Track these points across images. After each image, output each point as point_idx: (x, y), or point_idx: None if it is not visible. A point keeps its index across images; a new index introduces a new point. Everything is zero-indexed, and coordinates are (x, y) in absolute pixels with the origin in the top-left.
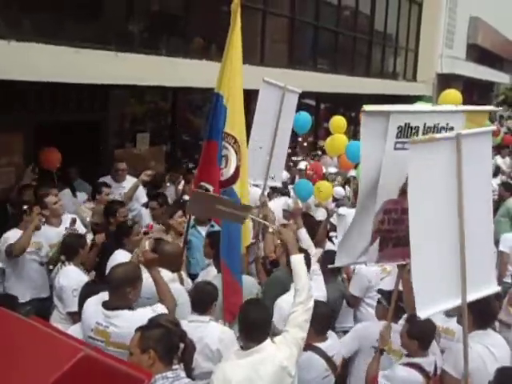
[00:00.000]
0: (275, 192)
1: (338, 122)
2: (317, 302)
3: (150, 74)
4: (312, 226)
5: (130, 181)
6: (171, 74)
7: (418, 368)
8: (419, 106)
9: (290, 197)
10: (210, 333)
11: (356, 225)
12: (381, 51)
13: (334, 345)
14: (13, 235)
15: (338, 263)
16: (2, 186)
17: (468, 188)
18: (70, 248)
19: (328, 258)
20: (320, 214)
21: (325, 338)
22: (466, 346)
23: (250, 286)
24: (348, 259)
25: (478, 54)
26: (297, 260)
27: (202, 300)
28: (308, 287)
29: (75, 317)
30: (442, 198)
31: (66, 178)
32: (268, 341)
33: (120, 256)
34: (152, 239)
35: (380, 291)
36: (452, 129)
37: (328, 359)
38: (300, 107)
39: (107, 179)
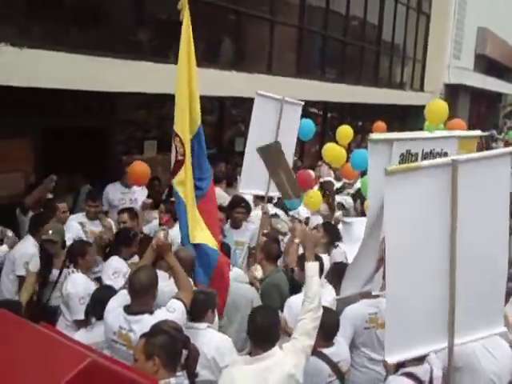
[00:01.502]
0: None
1: (345, 131)
2: (325, 309)
3: (158, 82)
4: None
5: (139, 189)
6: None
7: (413, 377)
8: (419, 133)
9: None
10: (207, 340)
11: (362, 253)
12: (388, 61)
13: (339, 351)
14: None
15: (343, 294)
16: (10, 192)
17: (467, 220)
18: (76, 255)
19: (337, 269)
20: (316, 220)
21: (331, 344)
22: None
23: (251, 296)
24: (354, 288)
25: (485, 64)
26: (312, 268)
27: (197, 308)
28: (319, 296)
29: (82, 324)
30: (428, 233)
31: (73, 184)
32: (276, 348)
33: (114, 262)
34: (167, 231)
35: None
36: (446, 154)
37: (333, 365)
38: (306, 116)
39: (117, 185)
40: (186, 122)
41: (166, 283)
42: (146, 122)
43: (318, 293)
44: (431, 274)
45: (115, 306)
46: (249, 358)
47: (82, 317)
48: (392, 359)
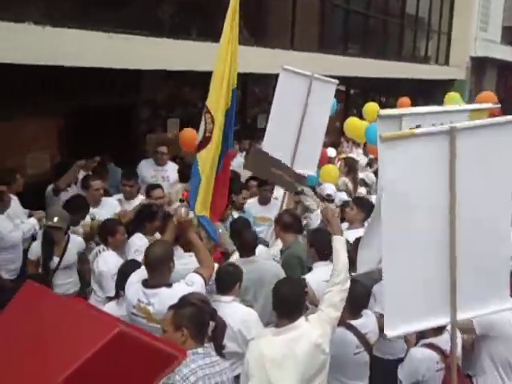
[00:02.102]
0: None
1: (372, 108)
2: (353, 281)
3: (181, 59)
4: None
5: (170, 165)
6: (202, 59)
7: (434, 347)
8: (429, 108)
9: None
10: (232, 313)
11: (374, 230)
12: (412, 34)
13: (367, 323)
14: None
15: (360, 270)
16: (37, 171)
17: (467, 190)
18: (107, 233)
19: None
20: (342, 197)
21: (359, 316)
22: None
23: (276, 272)
24: (369, 265)
25: None
26: (339, 241)
27: (225, 281)
28: (346, 269)
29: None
30: (426, 203)
31: (99, 163)
32: (302, 319)
33: (137, 239)
34: (187, 207)
35: None
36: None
37: (360, 336)
38: None
39: (149, 162)
40: (220, 101)
41: (186, 260)
42: (168, 101)
43: (345, 266)
44: (430, 246)
45: (134, 281)
46: (275, 330)
47: (114, 294)
48: (392, 333)
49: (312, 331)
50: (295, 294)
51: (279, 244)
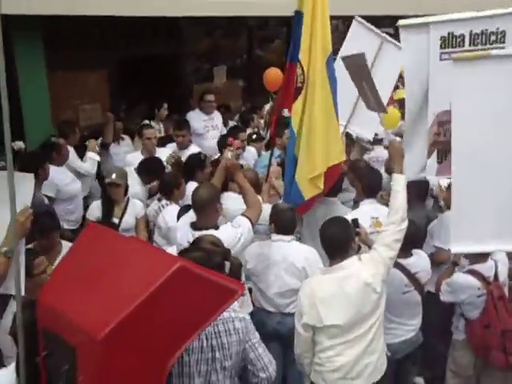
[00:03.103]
0: None
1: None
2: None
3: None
4: None
5: (216, 114)
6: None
7: (477, 274)
8: (461, 14)
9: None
10: (293, 251)
11: (409, 140)
12: None
13: (418, 262)
14: None
15: None
16: (89, 123)
17: None
18: (169, 187)
19: (415, 185)
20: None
21: (409, 254)
22: None
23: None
24: (410, 175)
25: None
26: (398, 179)
27: (286, 224)
28: (404, 209)
29: None
30: (499, 123)
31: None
32: (354, 258)
33: (192, 188)
34: (234, 151)
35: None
36: (503, 33)
37: (410, 275)
38: None
39: (197, 112)
40: (313, 48)
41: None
42: (214, 49)
43: (402, 206)
44: (503, 171)
45: (183, 224)
46: (326, 269)
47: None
48: (456, 249)
49: (363, 270)
50: (340, 233)
51: None
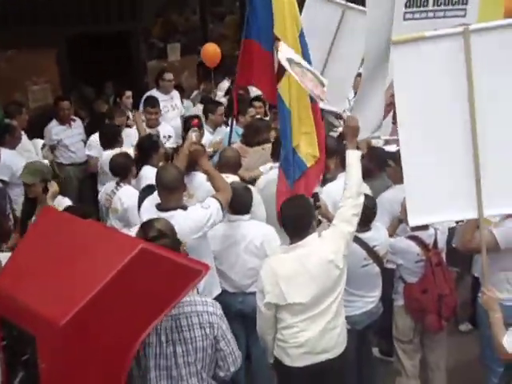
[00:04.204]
0: None
1: None
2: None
3: None
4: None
5: (175, 93)
6: None
7: (417, 240)
8: None
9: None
10: (252, 229)
11: (366, 98)
12: None
13: (376, 236)
14: None
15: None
16: (40, 103)
17: (484, 89)
18: (123, 168)
19: (374, 154)
20: None
21: (367, 229)
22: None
23: None
24: (365, 133)
25: None
26: (352, 155)
27: (243, 203)
28: (359, 183)
29: None
30: (445, 103)
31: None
32: (313, 235)
33: (147, 171)
34: (198, 132)
35: (387, 154)
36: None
37: (368, 249)
38: None
39: (156, 93)
40: (287, 25)
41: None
42: (167, 26)
43: (357, 180)
44: (452, 146)
45: (148, 206)
46: (286, 247)
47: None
48: (414, 222)
49: (324, 247)
50: (299, 212)
51: None
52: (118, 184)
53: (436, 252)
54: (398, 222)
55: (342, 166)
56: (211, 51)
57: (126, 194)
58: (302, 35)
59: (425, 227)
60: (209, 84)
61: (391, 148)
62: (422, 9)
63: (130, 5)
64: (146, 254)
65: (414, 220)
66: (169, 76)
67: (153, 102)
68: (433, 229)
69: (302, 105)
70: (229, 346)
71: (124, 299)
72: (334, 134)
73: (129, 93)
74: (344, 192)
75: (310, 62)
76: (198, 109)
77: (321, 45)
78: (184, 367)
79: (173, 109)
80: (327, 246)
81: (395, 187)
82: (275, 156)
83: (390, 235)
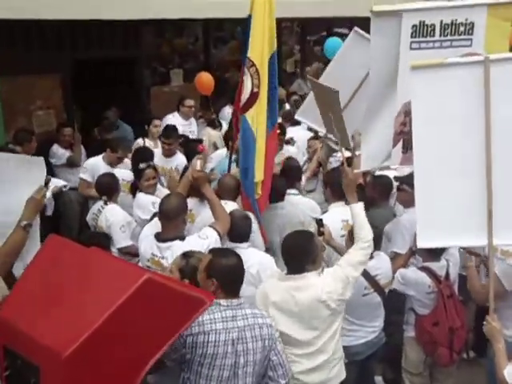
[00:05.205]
0: None
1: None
2: None
3: (178, 6)
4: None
5: (193, 120)
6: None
7: (429, 271)
8: (434, 3)
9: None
10: (250, 258)
11: (372, 127)
12: None
13: (378, 265)
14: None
15: (364, 167)
16: (45, 129)
17: (502, 117)
18: (109, 188)
19: (378, 182)
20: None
21: (369, 257)
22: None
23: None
24: (373, 163)
25: None
26: (356, 206)
27: (242, 231)
28: (371, 235)
29: (124, 251)
30: (461, 128)
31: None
32: (314, 273)
33: (141, 197)
34: (202, 160)
35: (397, 179)
36: (472, 24)
37: (369, 278)
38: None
39: (177, 116)
40: (264, 49)
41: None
42: (171, 52)
43: (369, 233)
44: (466, 173)
45: (147, 234)
46: (284, 276)
47: (125, 244)
48: (424, 244)
49: (320, 286)
50: (296, 245)
51: None
52: (104, 203)
53: (448, 284)
54: (411, 253)
55: (334, 196)
56: (204, 80)
57: (111, 212)
58: (272, 58)
59: (436, 258)
60: (207, 111)
61: (401, 172)
62: (428, 39)
63: (134, 31)
64: (151, 284)
65: (422, 243)
66: (189, 102)
67: (168, 133)
68: (445, 260)
69: (260, 134)
70: (279, 358)
71: (128, 330)
72: (334, 159)
73: (157, 122)
74: (357, 242)
75: (275, 87)
76: None
77: (354, 79)
78: (241, 378)
79: (191, 135)
80: (324, 285)
81: (409, 210)
82: None
83: (403, 266)
